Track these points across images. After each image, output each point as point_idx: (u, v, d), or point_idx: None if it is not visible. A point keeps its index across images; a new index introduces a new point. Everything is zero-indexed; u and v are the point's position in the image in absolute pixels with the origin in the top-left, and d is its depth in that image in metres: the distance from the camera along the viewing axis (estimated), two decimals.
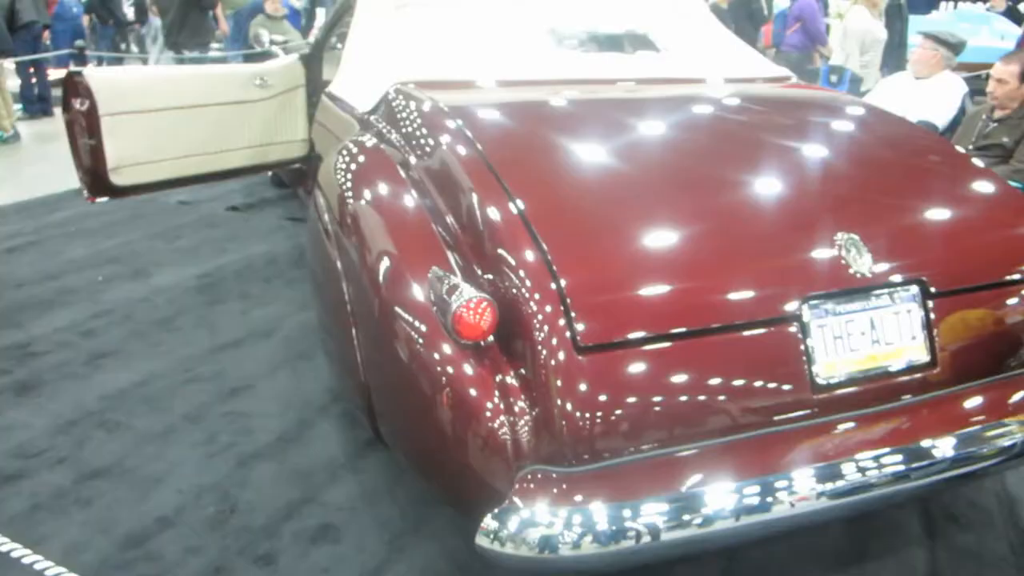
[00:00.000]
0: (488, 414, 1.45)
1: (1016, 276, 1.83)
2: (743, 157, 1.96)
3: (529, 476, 1.42)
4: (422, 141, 1.99)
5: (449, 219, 1.75)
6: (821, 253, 1.68)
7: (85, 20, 9.64)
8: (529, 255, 1.52)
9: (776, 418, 1.56)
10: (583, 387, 1.43)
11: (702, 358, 1.52)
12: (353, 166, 2.13)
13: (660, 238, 1.64)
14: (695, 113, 2.24)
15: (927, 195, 1.96)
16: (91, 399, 2.63)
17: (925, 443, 1.57)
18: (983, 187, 2.05)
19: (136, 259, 3.99)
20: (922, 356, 1.70)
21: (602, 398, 1.44)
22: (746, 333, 1.56)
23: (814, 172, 1.94)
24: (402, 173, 1.96)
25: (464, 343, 1.48)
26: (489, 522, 1.35)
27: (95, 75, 3.33)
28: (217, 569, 1.87)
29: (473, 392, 1.47)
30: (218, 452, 2.35)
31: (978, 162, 2.17)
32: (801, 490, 1.44)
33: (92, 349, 3.00)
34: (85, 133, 3.38)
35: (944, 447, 1.57)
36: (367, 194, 1.97)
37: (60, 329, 3.16)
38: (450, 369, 1.50)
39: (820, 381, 1.60)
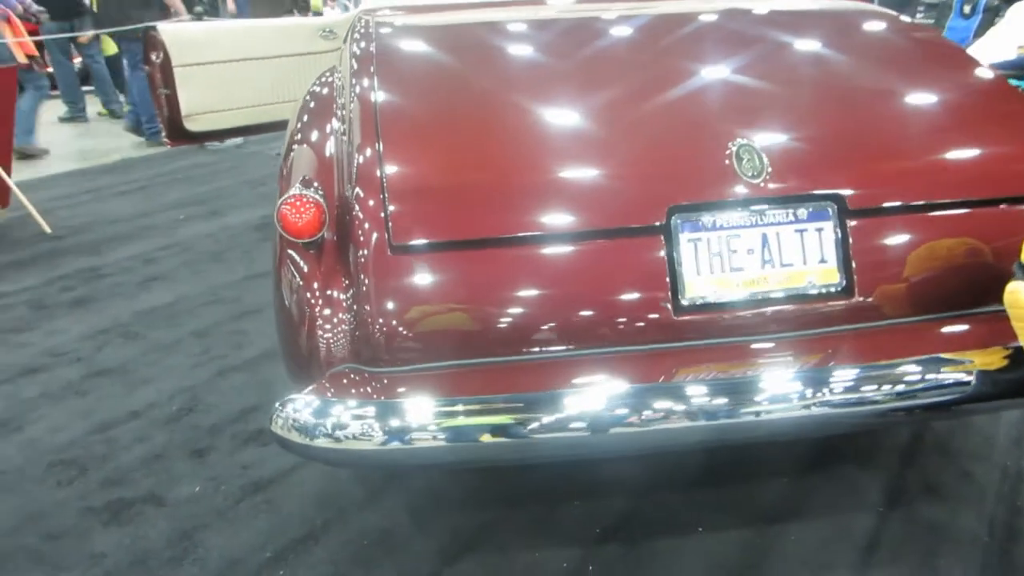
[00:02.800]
0: (309, 313, 1.49)
1: (971, 197, 1.54)
2: (654, 67, 1.79)
3: (338, 373, 1.44)
4: (348, 61, 2.03)
5: (344, 138, 1.78)
6: (703, 160, 1.51)
7: None
8: (367, 162, 1.51)
9: (620, 338, 1.45)
10: (394, 287, 1.41)
11: (538, 266, 1.44)
12: (305, 96, 2.24)
13: (514, 145, 1.55)
14: (634, 28, 2.05)
15: (876, 101, 1.69)
16: (126, 314, 2.98)
17: (774, 379, 1.39)
18: (971, 90, 1.74)
19: (219, 201, 4.41)
20: (834, 283, 1.49)
21: (415, 300, 1.41)
22: (593, 242, 1.45)
23: (727, 79, 1.72)
24: (335, 97, 2.02)
25: (296, 241, 1.52)
26: (276, 407, 1.40)
27: (168, 29, 3.69)
28: (156, 456, 2.08)
29: (300, 290, 1.51)
30: (206, 362, 2.58)
31: (981, 66, 1.83)
32: (605, 414, 1.34)
33: (147, 274, 3.39)
34: (162, 84, 3.78)
35: (798, 386, 1.38)
36: (299, 123, 2.08)
37: (130, 257, 3.60)
38: (286, 267, 1.56)
39: (684, 302, 1.46)
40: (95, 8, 5.86)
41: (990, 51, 3.70)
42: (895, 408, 1.43)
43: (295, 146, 1.95)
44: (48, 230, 3.97)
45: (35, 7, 6.41)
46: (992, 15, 4.22)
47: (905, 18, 2.23)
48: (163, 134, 3.96)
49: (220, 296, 3.11)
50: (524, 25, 2.07)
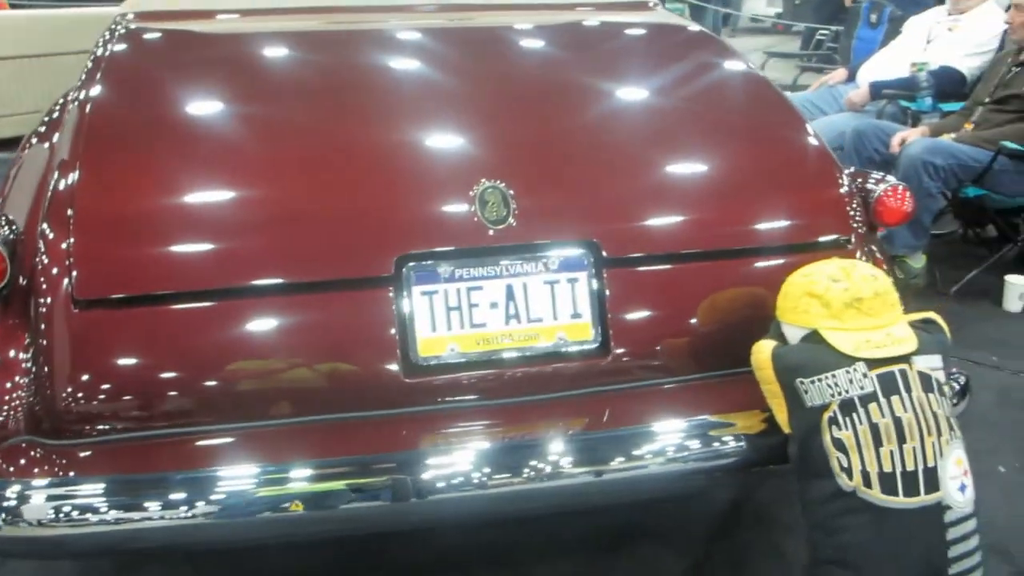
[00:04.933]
0: None
1: (741, 246, 1.71)
2: (396, 93, 1.91)
3: (13, 447, 1.47)
4: (83, 67, 2.08)
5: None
6: (442, 203, 1.63)
7: None
8: (62, 193, 1.56)
9: (341, 404, 1.53)
10: (76, 348, 1.46)
11: (246, 323, 1.51)
12: (52, 104, 2.29)
13: (230, 182, 1.63)
14: (384, 46, 2.16)
15: (643, 137, 1.86)
16: None
17: (513, 448, 1.51)
18: (754, 126, 1.93)
19: None
20: (588, 340, 1.61)
21: (102, 363, 1.47)
22: (311, 295, 1.53)
23: (476, 109, 1.86)
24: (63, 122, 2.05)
25: None
26: None
27: None
28: None
29: None
30: None
31: (771, 93, 2.01)
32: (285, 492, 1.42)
33: None
34: None
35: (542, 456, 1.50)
36: (30, 137, 2.13)
37: None
38: None
39: (418, 362, 1.54)
40: None
41: (883, 67, 4.01)
42: (649, 478, 1.56)
43: (16, 165, 1.99)
44: None
45: None
46: (897, 25, 4.56)
47: (694, 27, 2.42)
48: None
49: None
50: (283, 40, 2.16)
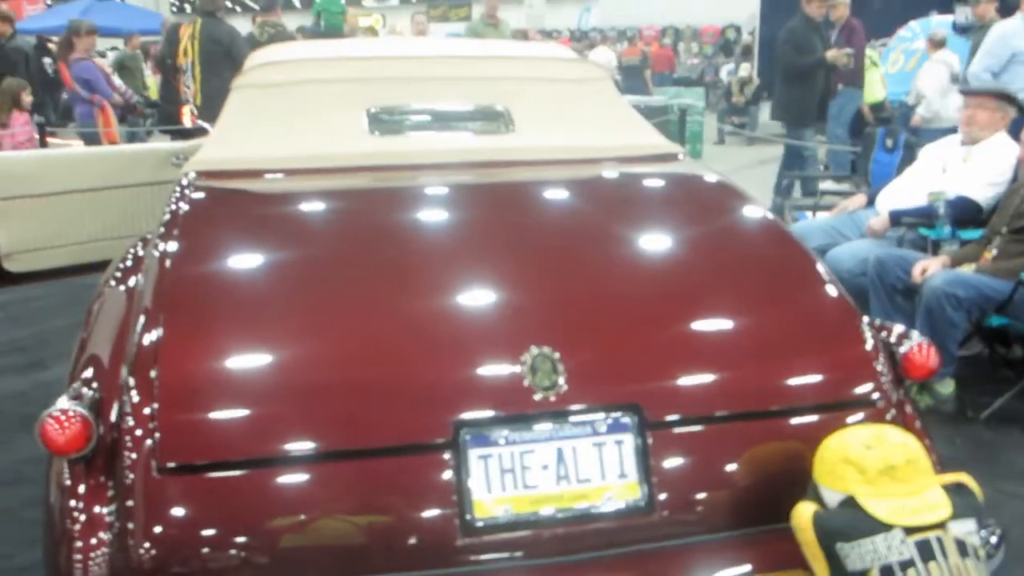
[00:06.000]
0: (68, 529, 1.64)
1: (781, 405, 1.83)
2: (464, 257, 2.06)
3: None
4: (159, 221, 2.27)
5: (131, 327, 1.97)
6: (495, 371, 1.76)
7: None
8: (143, 355, 1.72)
9: (403, 563, 1.63)
10: (159, 513, 1.59)
11: (315, 488, 1.65)
12: (129, 247, 2.50)
13: (294, 355, 1.78)
14: (452, 205, 2.38)
15: (684, 300, 1.99)
16: None
17: None
18: (788, 291, 2.06)
19: (42, 349, 4.51)
20: (634, 499, 1.72)
21: (184, 526, 1.59)
22: (372, 462, 1.67)
23: (525, 277, 2.01)
24: (139, 276, 2.24)
25: (63, 457, 1.69)
26: None
27: None
28: None
29: (60, 510, 1.69)
30: None
31: (805, 259, 2.15)
32: None
33: None
34: None
35: None
36: (108, 280, 2.32)
37: None
38: (50, 483, 1.72)
39: (474, 523, 1.65)
40: (198, 102, 6.36)
41: (901, 195, 4.18)
42: None
43: (98, 301, 2.15)
44: None
45: (135, 97, 6.97)
46: (911, 151, 4.78)
47: (713, 177, 2.58)
48: None
49: (23, 475, 3.17)
50: (336, 200, 2.38)
